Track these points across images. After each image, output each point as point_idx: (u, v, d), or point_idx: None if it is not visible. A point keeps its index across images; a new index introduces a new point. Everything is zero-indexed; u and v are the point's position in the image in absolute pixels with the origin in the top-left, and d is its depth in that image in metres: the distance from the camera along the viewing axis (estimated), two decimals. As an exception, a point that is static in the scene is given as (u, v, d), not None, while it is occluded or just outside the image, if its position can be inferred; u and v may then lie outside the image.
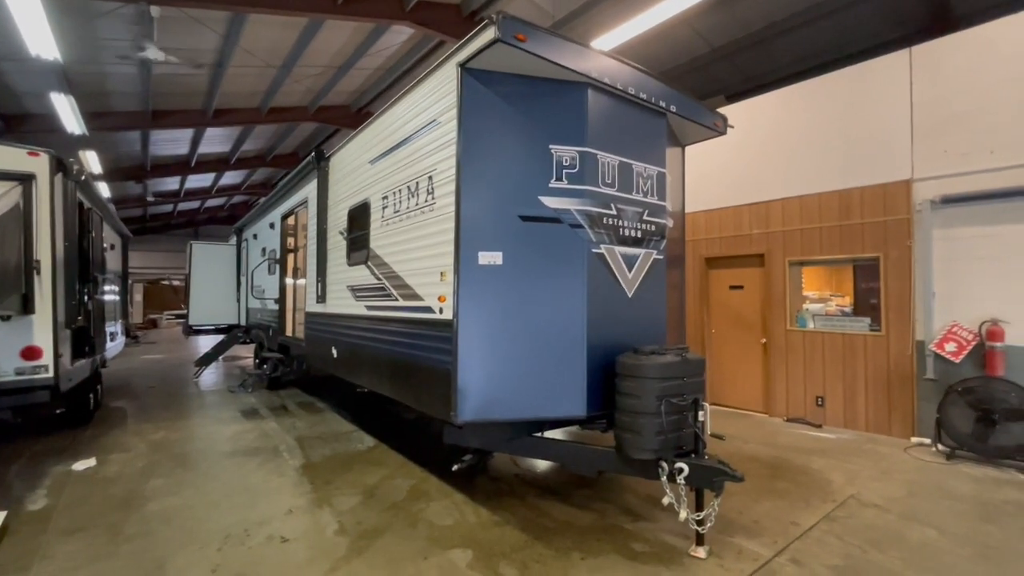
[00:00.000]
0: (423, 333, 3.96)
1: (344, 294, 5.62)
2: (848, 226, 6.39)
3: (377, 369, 4.86)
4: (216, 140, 15.70)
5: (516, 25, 3.25)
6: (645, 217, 4.20)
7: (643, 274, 4.16)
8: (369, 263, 4.99)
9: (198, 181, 20.68)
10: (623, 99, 4.06)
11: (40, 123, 11.57)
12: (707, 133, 4.95)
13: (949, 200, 5.54)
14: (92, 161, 14.29)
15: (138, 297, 23.56)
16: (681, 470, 3.35)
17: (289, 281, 8.42)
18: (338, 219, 5.94)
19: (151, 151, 15.57)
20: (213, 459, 5.62)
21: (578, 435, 5.63)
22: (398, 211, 4.48)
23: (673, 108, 4.38)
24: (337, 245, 5.95)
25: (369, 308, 4.98)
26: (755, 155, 7.28)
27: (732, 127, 5.01)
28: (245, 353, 14.91)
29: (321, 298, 6.32)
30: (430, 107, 3.95)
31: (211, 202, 25.51)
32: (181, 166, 17.57)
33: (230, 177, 20.81)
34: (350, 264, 5.50)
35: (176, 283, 27.66)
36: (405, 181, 4.35)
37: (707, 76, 11.63)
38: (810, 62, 10.50)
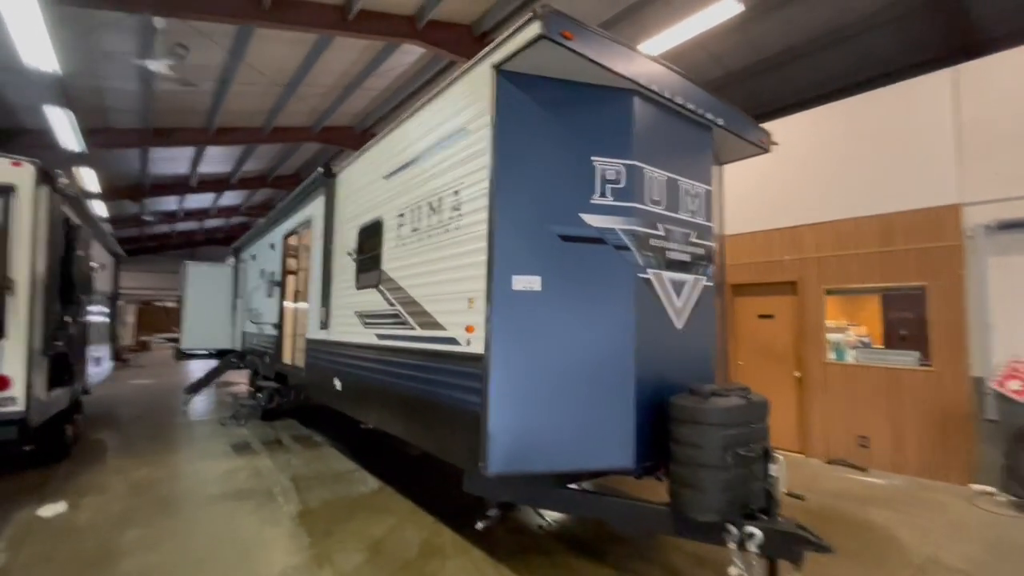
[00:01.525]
0: (446, 368, 3.46)
1: (351, 320, 5.13)
2: (889, 253, 5.99)
3: (388, 406, 4.34)
4: (217, 159, 15.42)
5: (563, 21, 2.88)
6: (693, 239, 3.78)
7: (692, 302, 3.71)
8: (381, 287, 4.53)
9: (197, 201, 20.35)
10: (669, 109, 3.68)
11: (36, 139, 11.21)
12: (751, 150, 4.57)
13: (1006, 225, 5.16)
14: (89, 179, 13.92)
15: (130, 319, 22.91)
16: (752, 536, 2.83)
17: (289, 305, 7.92)
18: (346, 239, 5.50)
19: (150, 170, 15.25)
20: (199, 503, 5.03)
21: (607, 479, 5.08)
22: (416, 229, 4.04)
23: (720, 121, 4.00)
24: (344, 267, 5.50)
25: (380, 337, 4.49)
26: (785, 177, 6.93)
27: (776, 144, 4.64)
28: (239, 378, 14.28)
29: (324, 324, 5.83)
30: (458, 114, 3.56)
31: (210, 223, 25.14)
32: (181, 185, 17.24)
33: (230, 198, 20.49)
34: (359, 288, 5.03)
35: (170, 305, 27.02)
36: (426, 196, 3.93)
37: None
38: (826, 88, 10.32)
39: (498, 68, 3.18)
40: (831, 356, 6.50)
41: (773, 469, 2.98)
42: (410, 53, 10.21)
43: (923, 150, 5.80)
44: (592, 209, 3.27)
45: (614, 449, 3.16)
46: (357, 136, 14.11)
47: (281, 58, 9.79)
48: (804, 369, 6.71)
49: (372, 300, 4.70)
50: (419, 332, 3.86)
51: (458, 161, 3.52)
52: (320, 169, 6.14)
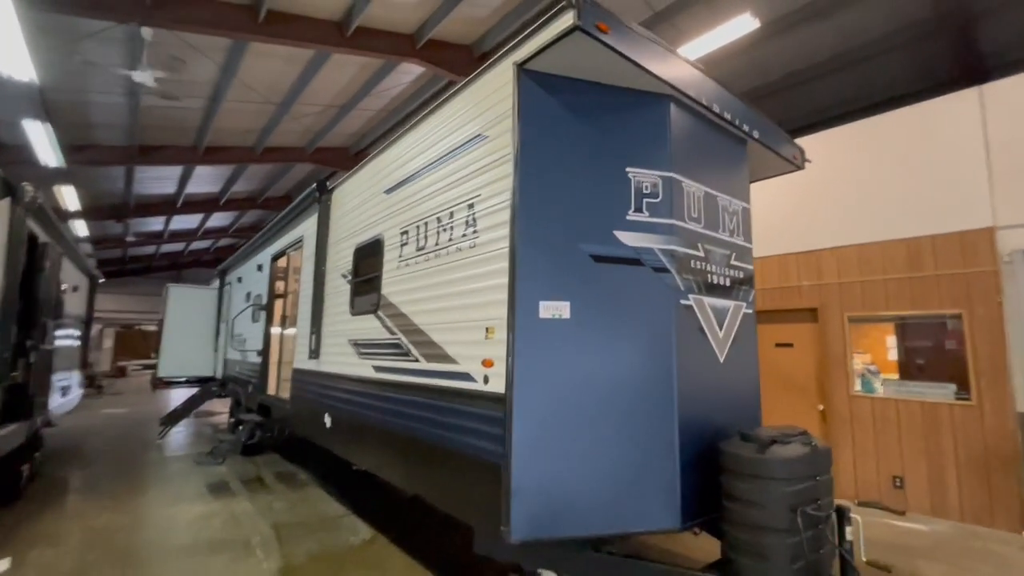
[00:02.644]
0: (458, 409, 2.98)
1: (344, 350, 4.64)
2: (920, 279, 5.66)
3: (386, 449, 3.82)
4: (206, 179, 14.97)
5: (599, 11, 2.53)
6: (732, 261, 3.39)
7: (734, 332, 3.30)
8: (380, 313, 4.05)
9: (184, 222, 19.79)
10: (704, 118, 3.35)
11: (13, 154, 10.72)
12: (783, 167, 4.25)
13: (1046, 251, 4.86)
14: (70, 197, 13.37)
15: (108, 343, 21.98)
16: (831, 617, 2.36)
17: (276, 331, 7.39)
18: (341, 259, 5.04)
19: (135, 189, 14.74)
20: (165, 558, 4.41)
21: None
22: (422, 248, 3.60)
23: (756, 134, 3.68)
24: (338, 290, 5.03)
25: (378, 370, 3.99)
26: (802, 199, 6.64)
27: (810, 161, 4.33)
28: (220, 408, 13.51)
29: (314, 353, 5.31)
30: (475, 118, 3.17)
31: (196, 244, 24.52)
32: (167, 206, 16.72)
33: (218, 219, 19.97)
34: (354, 313, 4.55)
35: (148, 329, 26.05)
36: (434, 211, 3.51)
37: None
38: (829, 113, 10.25)
39: (521, 67, 2.82)
40: (858, 388, 6.10)
41: (849, 531, 2.52)
42: (408, 73, 9.99)
43: (951, 171, 5.55)
44: (627, 226, 2.87)
45: (657, 506, 2.68)
46: (351, 158, 13.82)
47: (275, 75, 9.50)
48: (828, 402, 6.29)
49: (369, 327, 4.22)
50: (424, 365, 3.38)
51: (474, 171, 3.12)
52: (314, 185, 5.72)
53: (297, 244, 6.52)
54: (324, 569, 4.21)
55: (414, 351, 3.51)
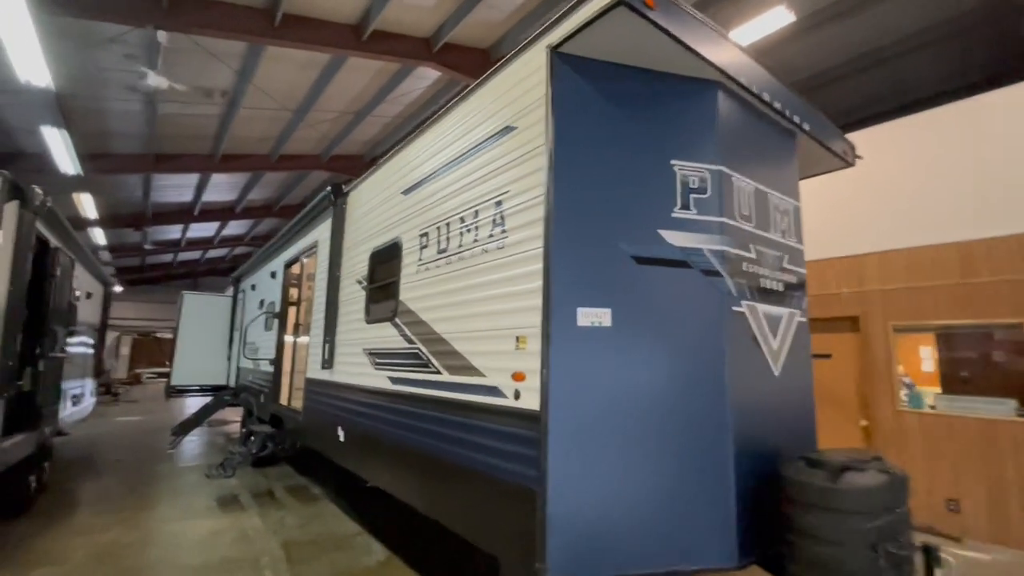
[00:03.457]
0: (484, 426, 2.70)
1: (359, 359, 4.39)
2: (973, 285, 5.27)
3: (403, 468, 3.54)
4: (222, 187, 15.01)
5: (644, -15, 2.26)
6: (785, 264, 3.08)
7: (788, 342, 2.98)
8: (397, 320, 3.80)
9: (200, 230, 19.92)
10: (753, 108, 3.06)
11: (32, 162, 10.78)
12: (832, 163, 3.94)
13: (1120, 254, 4.46)
14: (87, 205, 13.45)
15: (125, 350, 22.10)
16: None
17: (289, 339, 7.19)
18: (356, 264, 4.82)
19: (152, 197, 14.81)
20: (171, 580, 4.17)
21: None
22: (444, 250, 3.35)
23: (806, 126, 3.38)
24: (353, 297, 4.79)
25: (395, 381, 3.73)
26: (840, 200, 6.28)
27: (861, 157, 4.01)
28: (233, 416, 13.37)
29: (328, 363, 5.07)
30: (503, 108, 2.92)
31: (213, 253, 24.70)
32: (184, 214, 16.81)
33: (234, 227, 20.06)
34: (370, 321, 4.31)
35: (164, 336, 26.13)
36: (457, 210, 3.25)
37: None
38: (856, 115, 9.86)
39: (555, 50, 2.56)
40: (905, 403, 5.68)
41: (939, 574, 2.18)
42: (424, 79, 9.86)
43: (1008, 170, 5.16)
44: (673, 224, 2.58)
45: (711, 540, 2.36)
46: (365, 166, 13.74)
47: (291, 81, 9.42)
48: (872, 418, 5.88)
49: (386, 336, 3.97)
50: (446, 378, 3.11)
51: (502, 166, 2.86)
52: (328, 188, 5.53)
53: (311, 250, 6.33)
54: (336, 595, 3.94)
55: (435, 362, 3.24)
